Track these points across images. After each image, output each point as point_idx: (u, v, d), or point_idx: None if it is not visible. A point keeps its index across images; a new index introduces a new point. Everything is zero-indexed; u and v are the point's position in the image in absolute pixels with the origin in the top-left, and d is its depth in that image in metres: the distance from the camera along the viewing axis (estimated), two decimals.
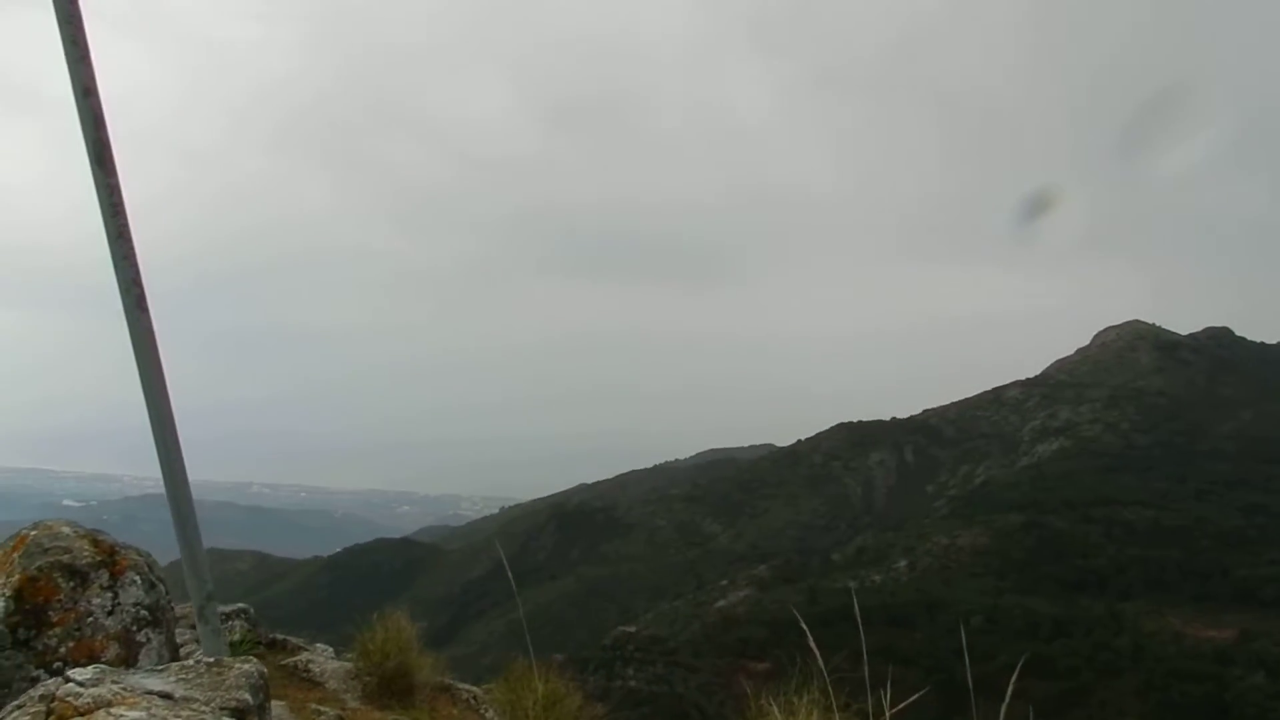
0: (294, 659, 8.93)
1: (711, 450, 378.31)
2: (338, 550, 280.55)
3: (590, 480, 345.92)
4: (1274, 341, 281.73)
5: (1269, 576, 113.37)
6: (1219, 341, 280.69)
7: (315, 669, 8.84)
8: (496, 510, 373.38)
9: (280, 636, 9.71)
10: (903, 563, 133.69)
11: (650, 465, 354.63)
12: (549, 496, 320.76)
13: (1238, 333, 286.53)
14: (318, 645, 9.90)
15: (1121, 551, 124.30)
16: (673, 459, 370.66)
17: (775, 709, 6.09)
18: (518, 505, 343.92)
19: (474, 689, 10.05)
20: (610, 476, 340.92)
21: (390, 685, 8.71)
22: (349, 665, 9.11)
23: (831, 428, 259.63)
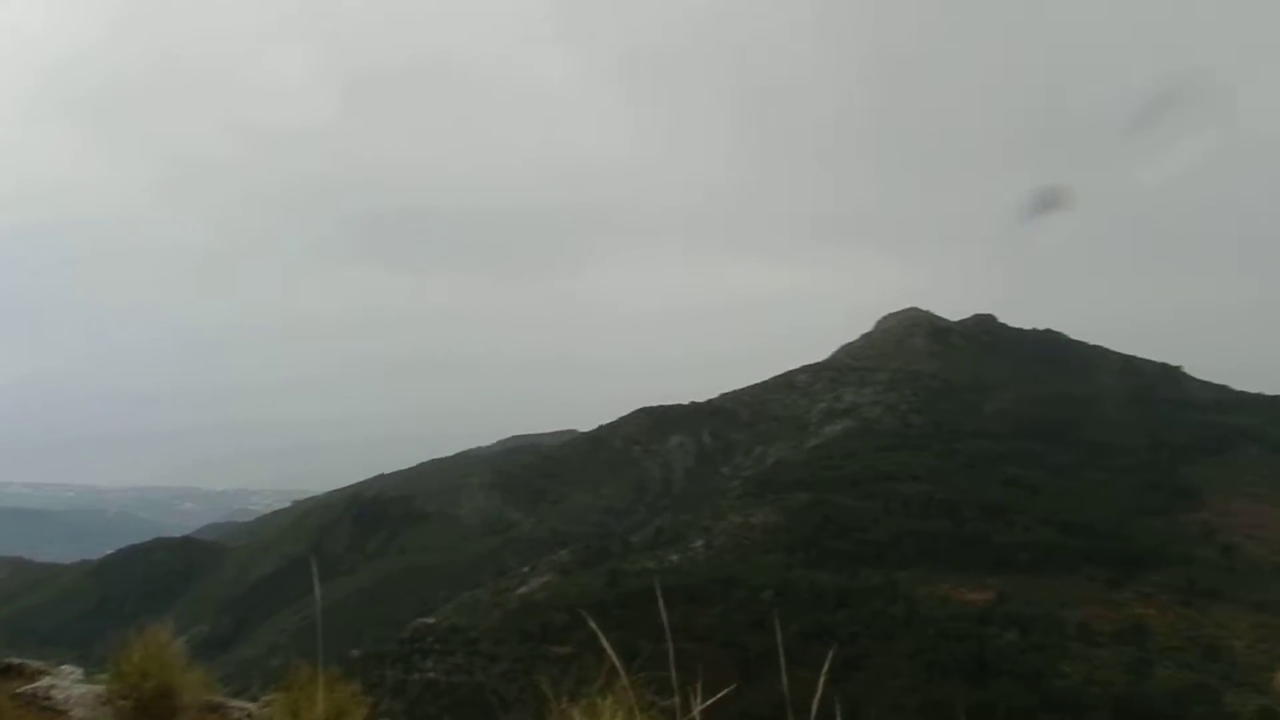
0: (31, 686, 8.11)
1: (515, 437, 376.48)
2: (109, 553, 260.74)
3: (389, 470, 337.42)
4: (1029, 328, 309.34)
5: (1024, 543, 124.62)
6: (984, 328, 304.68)
7: (59, 695, 8.06)
8: (289, 504, 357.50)
9: (16, 661, 8.80)
10: (699, 542, 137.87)
11: (452, 453, 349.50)
12: (345, 488, 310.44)
13: (1000, 319, 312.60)
14: (63, 667, 9.04)
15: (898, 524, 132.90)
16: (475, 446, 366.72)
17: (576, 715, 5.94)
18: (312, 498, 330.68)
19: (248, 705, 9.02)
20: (410, 466, 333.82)
21: (149, 709, 7.84)
22: (100, 689, 8.27)
23: (633, 412, 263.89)
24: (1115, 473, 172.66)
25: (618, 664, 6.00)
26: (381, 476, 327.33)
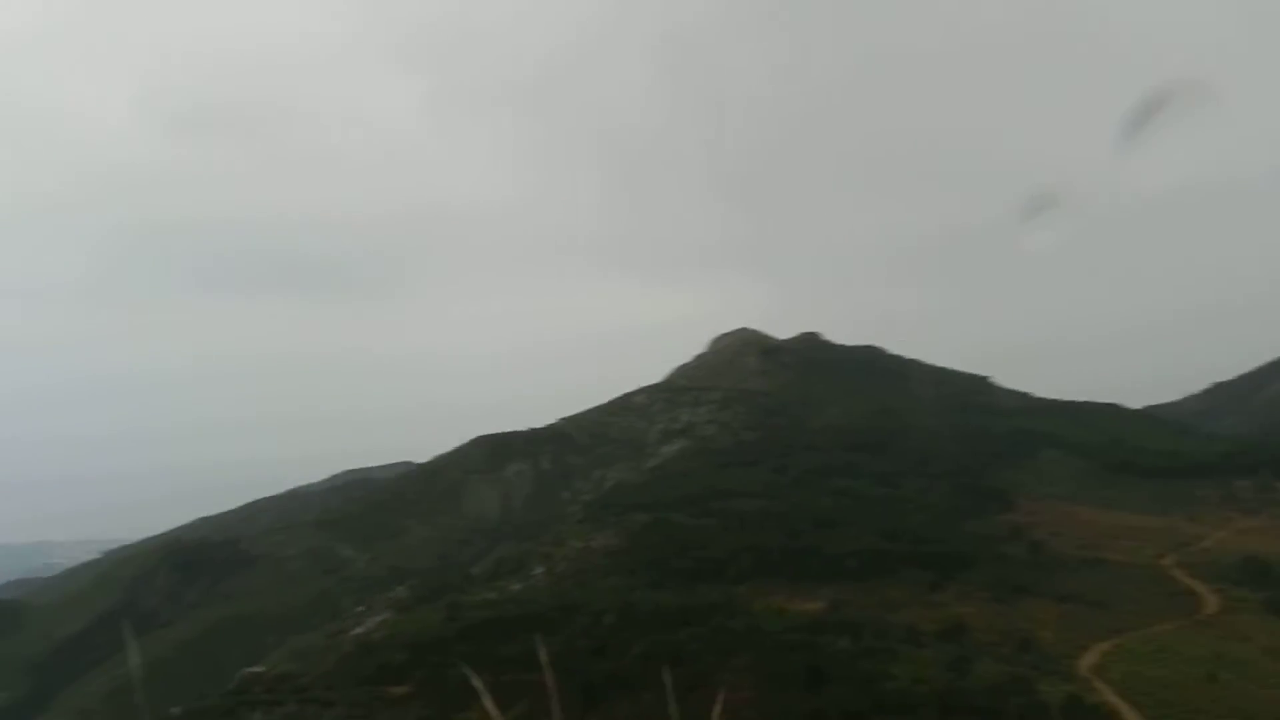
0: None
1: (348, 471, 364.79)
2: None
3: (212, 513, 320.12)
4: (851, 344, 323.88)
5: (852, 551, 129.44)
6: (810, 345, 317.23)
7: None
8: (98, 555, 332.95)
9: None
10: (540, 569, 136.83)
11: (281, 492, 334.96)
12: (162, 535, 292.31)
13: (824, 337, 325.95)
14: None
15: (735, 540, 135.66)
16: (305, 483, 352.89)
17: None
18: (124, 547, 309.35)
19: None
20: (234, 508, 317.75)
21: None
22: None
23: (470, 441, 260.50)
24: (933, 479, 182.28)
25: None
26: (204, 520, 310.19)
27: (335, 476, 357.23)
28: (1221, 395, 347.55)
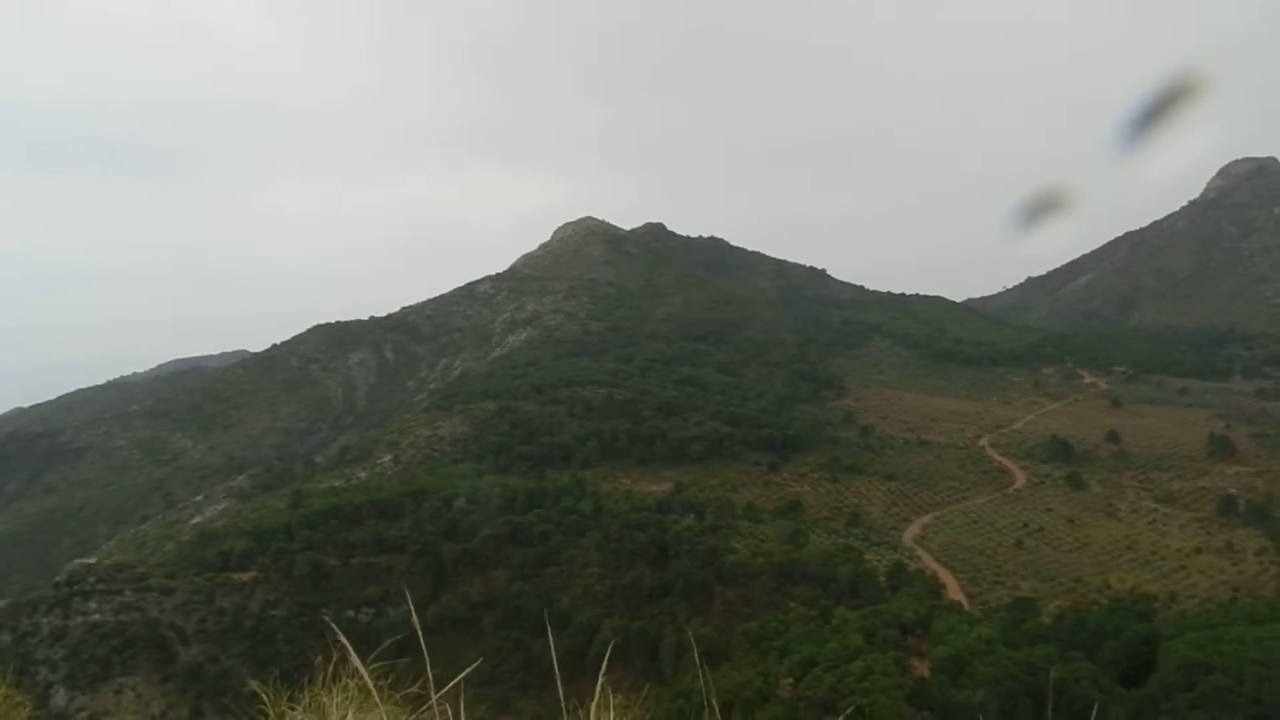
0: None
1: (176, 360, 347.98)
2: None
3: (27, 404, 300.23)
4: (695, 235, 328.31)
5: (695, 436, 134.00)
6: (655, 235, 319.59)
7: None
8: None
9: None
10: (387, 457, 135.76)
11: (103, 382, 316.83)
12: None
13: (669, 228, 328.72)
14: None
15: (582, 426, 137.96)
16: (130, 373, 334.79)
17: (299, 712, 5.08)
18: None
19: None
20: (53, 398, 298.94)
21: None
22: None
23: (309, 329, 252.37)
24: (772, 367, 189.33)
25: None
26: (19, 411, 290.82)
27: (162, 366, 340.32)
28: (1033, 289, 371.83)
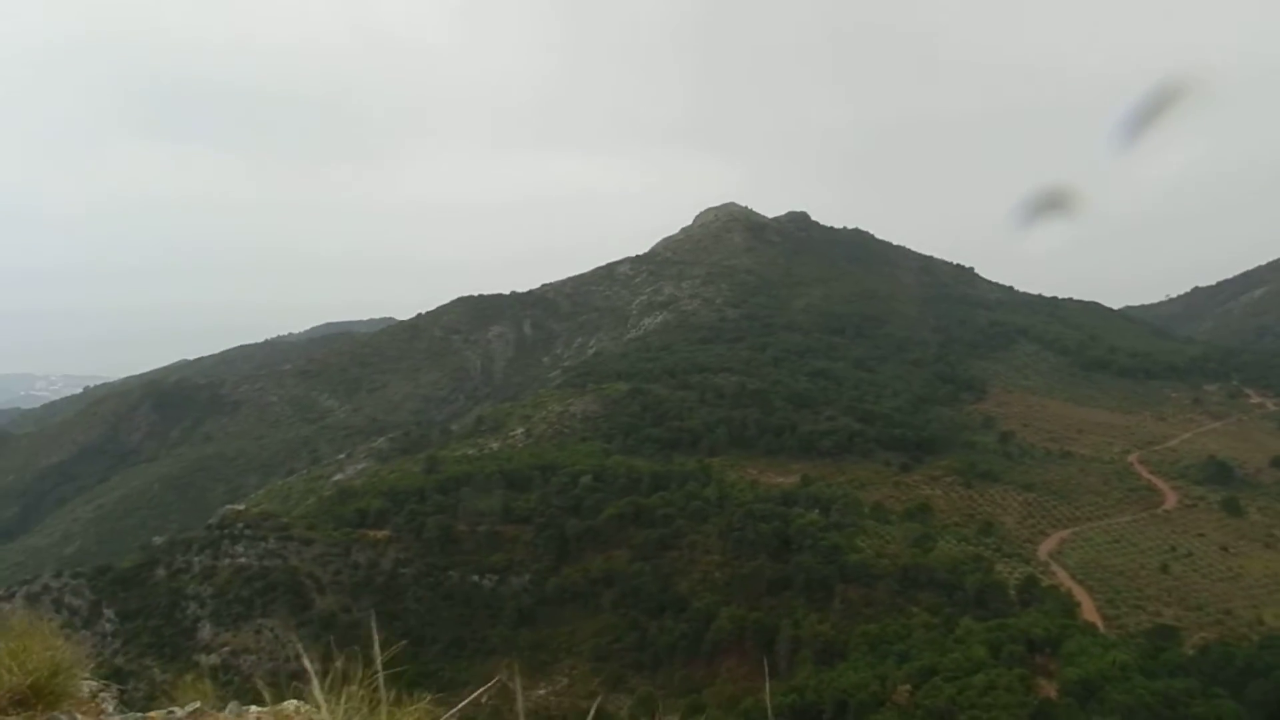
0: None
1: (328, 324, 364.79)
2: None
3: (192, 356, 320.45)
4: (840, 226, 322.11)
5: (826, 430, 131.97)
6: (798, 225, 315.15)
7: None
8: (80, 390, 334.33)
9: None
10: (520, 430, 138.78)
11: (261, 340, 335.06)
12: (143, 374, 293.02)
13: (813, 218, 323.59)
14: None
15: (712, 413, 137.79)
16: (286, 333, 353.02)
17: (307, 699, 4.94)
18: (105, 385, 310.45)
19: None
20: (215, 352, 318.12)
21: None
22: None
23: (452, 301, 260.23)
24: (911, 365, 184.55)
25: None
26: (184, 363, 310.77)
27: (315, 328, 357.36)
28: (1200, 299, 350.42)
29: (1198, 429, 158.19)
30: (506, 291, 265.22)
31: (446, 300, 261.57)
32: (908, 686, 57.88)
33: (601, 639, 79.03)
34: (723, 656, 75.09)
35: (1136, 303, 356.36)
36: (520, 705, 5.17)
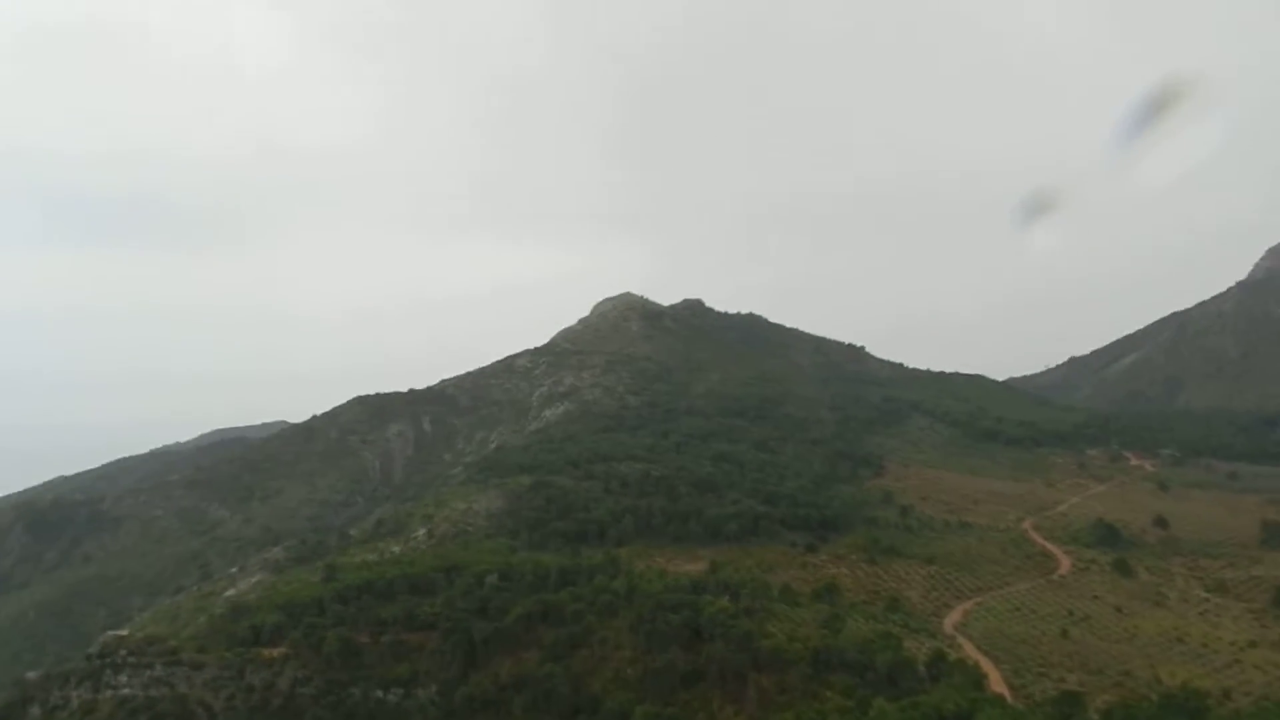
0: None
1: (218, 431, 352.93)
2: None
3: (70, 473, 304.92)
4: (733, 311, 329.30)
5: (732, 514, 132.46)
6: (693, 311, 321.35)
7: None
8: None
9: None
10: (421, 531, 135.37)
11: (145, 451, 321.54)
12: (14, 495, 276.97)
13: (708, 304, 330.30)
14: None
15: (618, 502, 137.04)
16: (173, 442, 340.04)
17: None
18: None
19: None
20: (95, 466, 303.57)
21: None
22: None
23: (348, 401, 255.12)
24: (810, 445, 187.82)
25: None
26: (61, 480, 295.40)
27: (204, 436, 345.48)
28: (1076, 368, 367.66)
29: (1085, 493, 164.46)
30: (404, 389, 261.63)
31: (342, 401, 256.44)
32: None
33: None
34: None
35: (1018, 374, 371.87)
36: None
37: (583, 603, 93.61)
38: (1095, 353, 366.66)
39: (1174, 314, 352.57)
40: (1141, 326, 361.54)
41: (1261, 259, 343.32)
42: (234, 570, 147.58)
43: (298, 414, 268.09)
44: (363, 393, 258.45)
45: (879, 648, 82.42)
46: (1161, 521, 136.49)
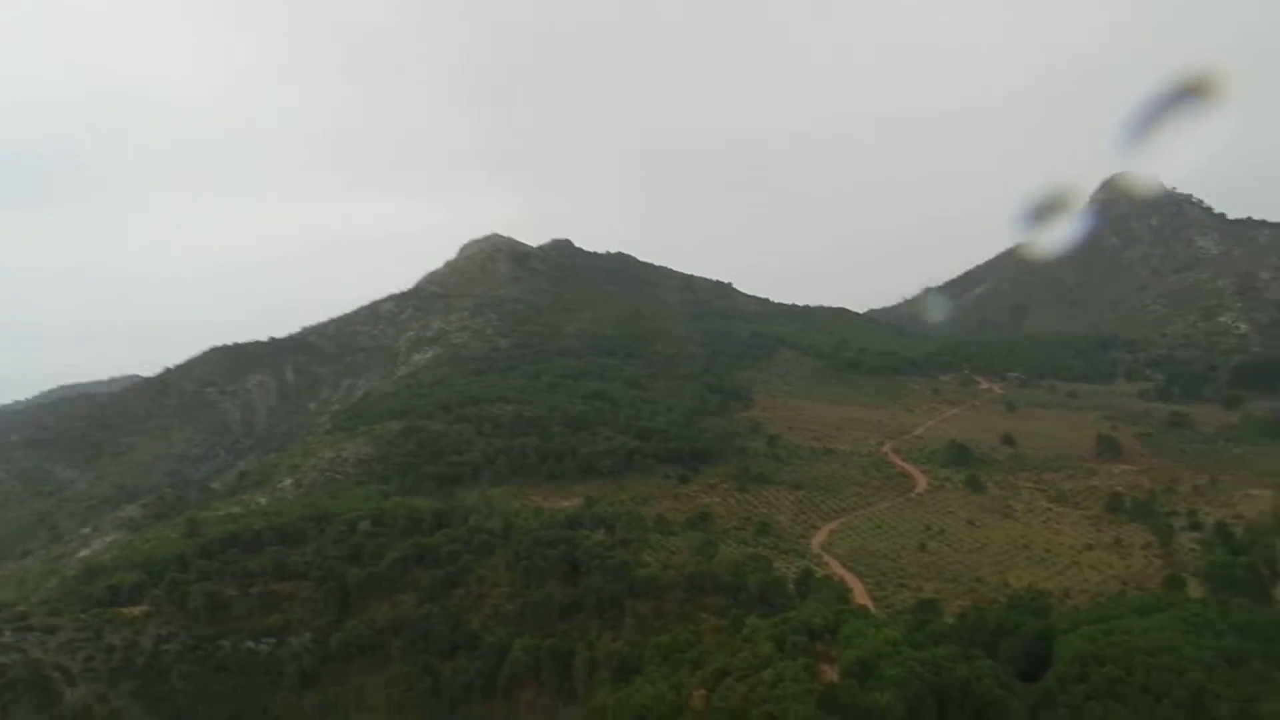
0: None
1: (61, 388, 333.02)
2: None
3: None
4: (603, 251, 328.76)
5: (605, 450, 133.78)
6: (562, 252, 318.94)
7: None
8: None
9: None
10: (288, 481, 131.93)
11: None
12: None
13: (577, 244, 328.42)
14: None
15: (491, 444, 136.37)
16: (10, 401, 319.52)
17: None
18: None
19: None
20: None
21: None
22: None
23: (205, 352, 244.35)
24: (681, 380, 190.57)
25: None
26: None
27: (46, 393, 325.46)
28: (931, 299, 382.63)
29: (939, 416, 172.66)
30: (264, 338, 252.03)
31: (197, 353, 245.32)
32: (703, 691, 59.22)
33: (394, 690, 75.92)
34: (520, 689, 74.05)
35: (878, 305, 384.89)
36: None
37: (459, 543, 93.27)
38: (948, 284, 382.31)
39: (1019, 245, 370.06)
40: (991, 258, 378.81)
41: (1096, 191, 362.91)
42: (86, 530, 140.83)
43: (150, 369, 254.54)
44: (218, 344, 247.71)
45: (750, 570, 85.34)
46: (1009, 439, 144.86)
